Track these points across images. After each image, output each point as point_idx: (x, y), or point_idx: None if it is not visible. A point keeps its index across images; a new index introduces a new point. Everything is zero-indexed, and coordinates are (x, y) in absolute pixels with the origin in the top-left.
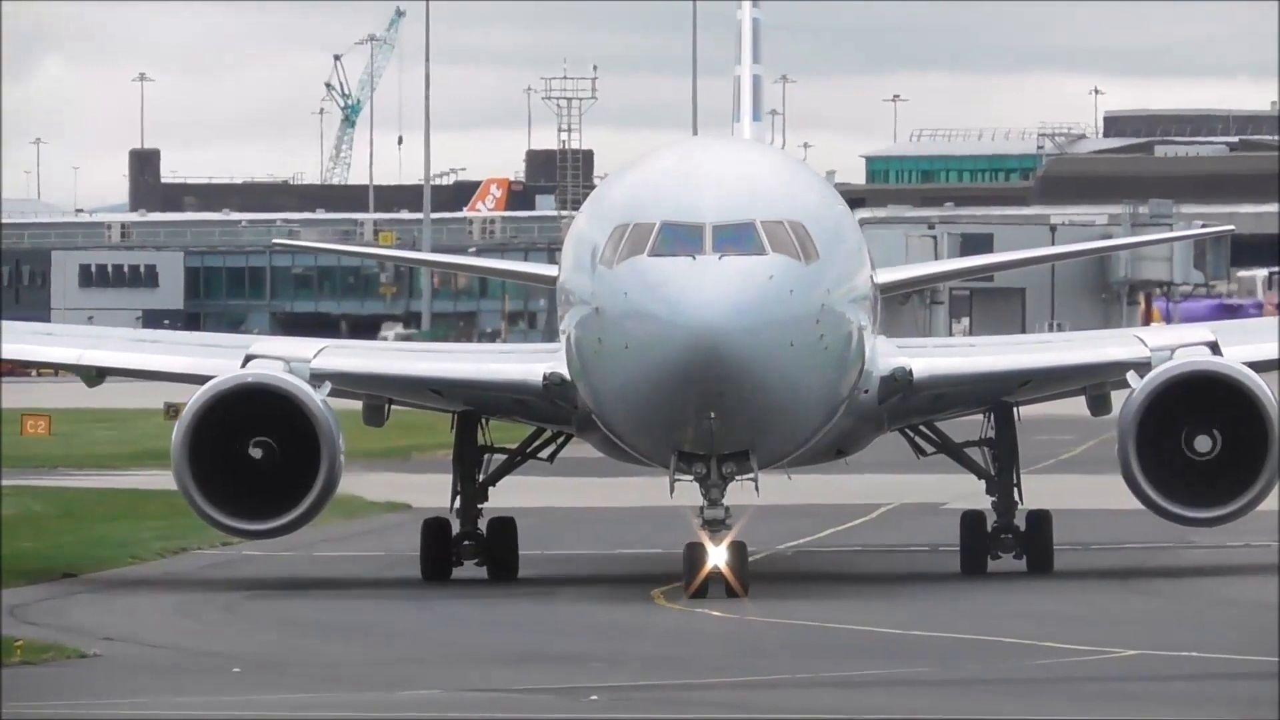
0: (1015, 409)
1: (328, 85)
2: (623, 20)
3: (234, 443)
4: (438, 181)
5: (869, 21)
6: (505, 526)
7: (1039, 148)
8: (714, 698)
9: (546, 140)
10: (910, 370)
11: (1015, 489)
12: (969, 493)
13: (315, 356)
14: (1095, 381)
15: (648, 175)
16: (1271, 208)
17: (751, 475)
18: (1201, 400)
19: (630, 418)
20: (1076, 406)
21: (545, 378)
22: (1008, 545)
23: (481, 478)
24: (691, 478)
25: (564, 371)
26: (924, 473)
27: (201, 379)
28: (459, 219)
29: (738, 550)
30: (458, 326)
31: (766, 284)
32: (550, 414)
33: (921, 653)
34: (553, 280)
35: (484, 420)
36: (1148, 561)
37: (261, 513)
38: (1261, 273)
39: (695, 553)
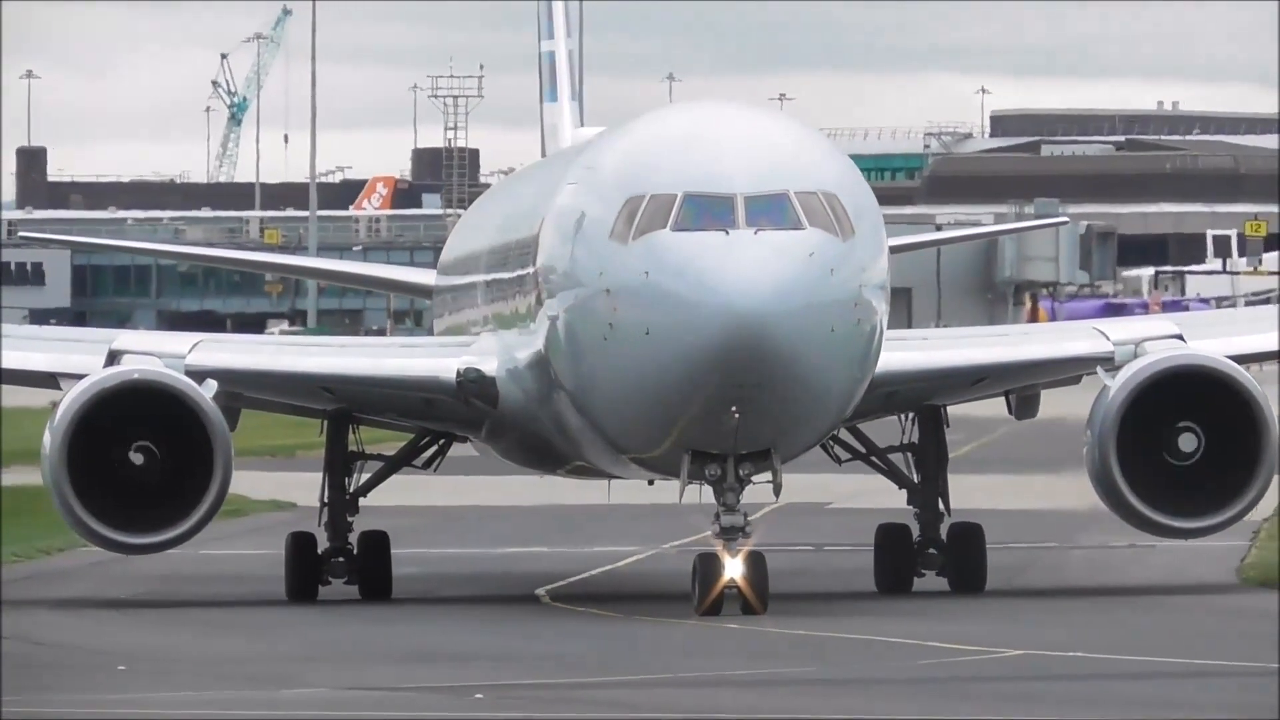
0: (944, 410)
1: (214, 83)
2: (509, 19)
3: (113, 447)
4: (324, 180)
5: (755, 20)
6: (378, 541)
7: (925, 147)
8: (599, 696)
9: (433, 139)
10: None
11: (941, 499)
12: (855, 491)
13: (190, 352)
14: (1053, 378)
15: (655, 141)
16: (1158, 207)
17: (770, 477)
18: (1184, 397)
19: (639, 413)
20: (964, 405)
21: (459, 374)
22: (932, 561)
23: (353, 487)
24: (702, 481)
25: (481, 367)
26: (808, 472)
27: (62, 379)
28: (345, 217)
29: (756, 562)
30: (343, 324)
31: (808, 262)
32: (458, 416)
33: (804, 652)
34: (426, 289)
35: (355, 425)
36: (1037, 562)
37: (148, 524)
38: (1147, 272)
39: (709, 565)
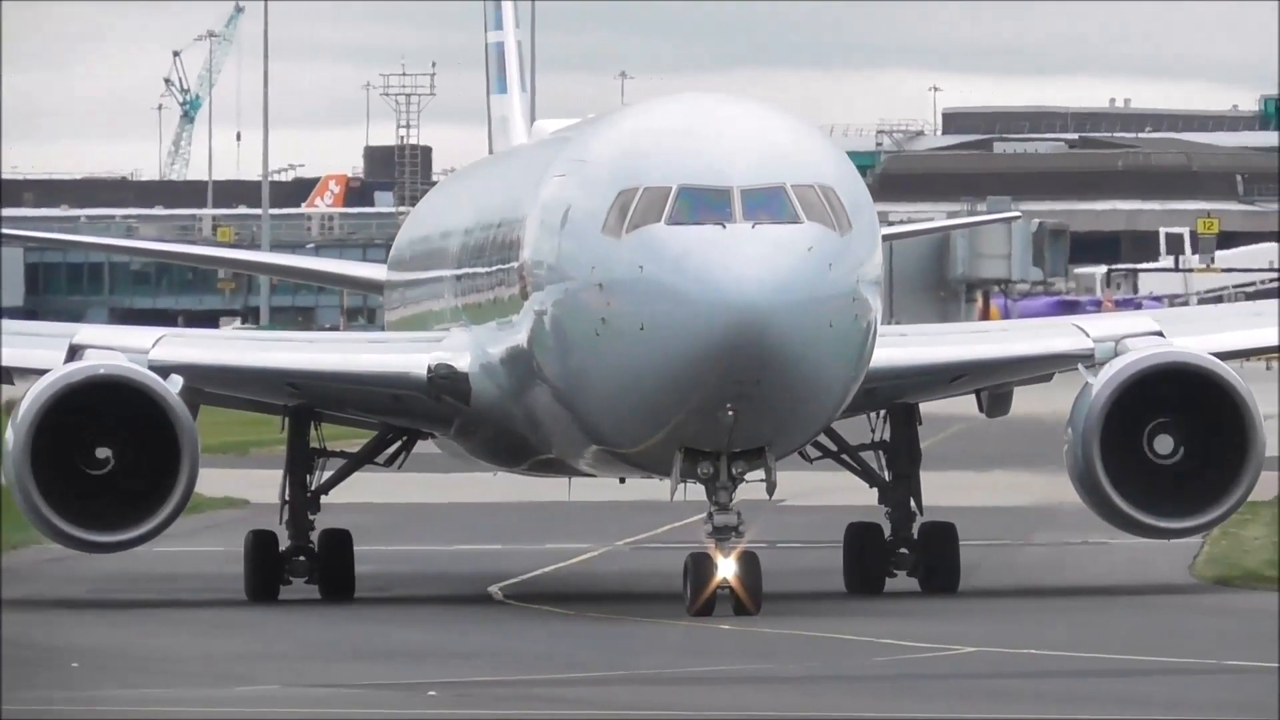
0: (917, 408)
1: (167, 81)
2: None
3: (78, 443)
4: (276, 177)
5: (706, 18)
6: (340, 540)
7: (877, 145)
8: (553, 694)
9: (385, 137)
10: None
11: (913, 498)
12: (812, 489)
13: (153, 346)
14: (1033, 375)
15: (648, 133)
16: (1110, 205)
17: (762, 476)
18: (1167, 395)
19: (632, 410)
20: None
21: (430, 370)
22: (904, 561)
23: (314, 485)
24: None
25: (453, 362)
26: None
27: (21, 374)
28: (297, 215)
29: (749, 562)
30: (296, 321)
31: (806, 256)
32: (427, 412)
33: (756, 649)
34: (377, 284)
35: (317, 421)
36: (990, 559)
37: (113, 522)
38: (1100, 270)
39: (701, 564)
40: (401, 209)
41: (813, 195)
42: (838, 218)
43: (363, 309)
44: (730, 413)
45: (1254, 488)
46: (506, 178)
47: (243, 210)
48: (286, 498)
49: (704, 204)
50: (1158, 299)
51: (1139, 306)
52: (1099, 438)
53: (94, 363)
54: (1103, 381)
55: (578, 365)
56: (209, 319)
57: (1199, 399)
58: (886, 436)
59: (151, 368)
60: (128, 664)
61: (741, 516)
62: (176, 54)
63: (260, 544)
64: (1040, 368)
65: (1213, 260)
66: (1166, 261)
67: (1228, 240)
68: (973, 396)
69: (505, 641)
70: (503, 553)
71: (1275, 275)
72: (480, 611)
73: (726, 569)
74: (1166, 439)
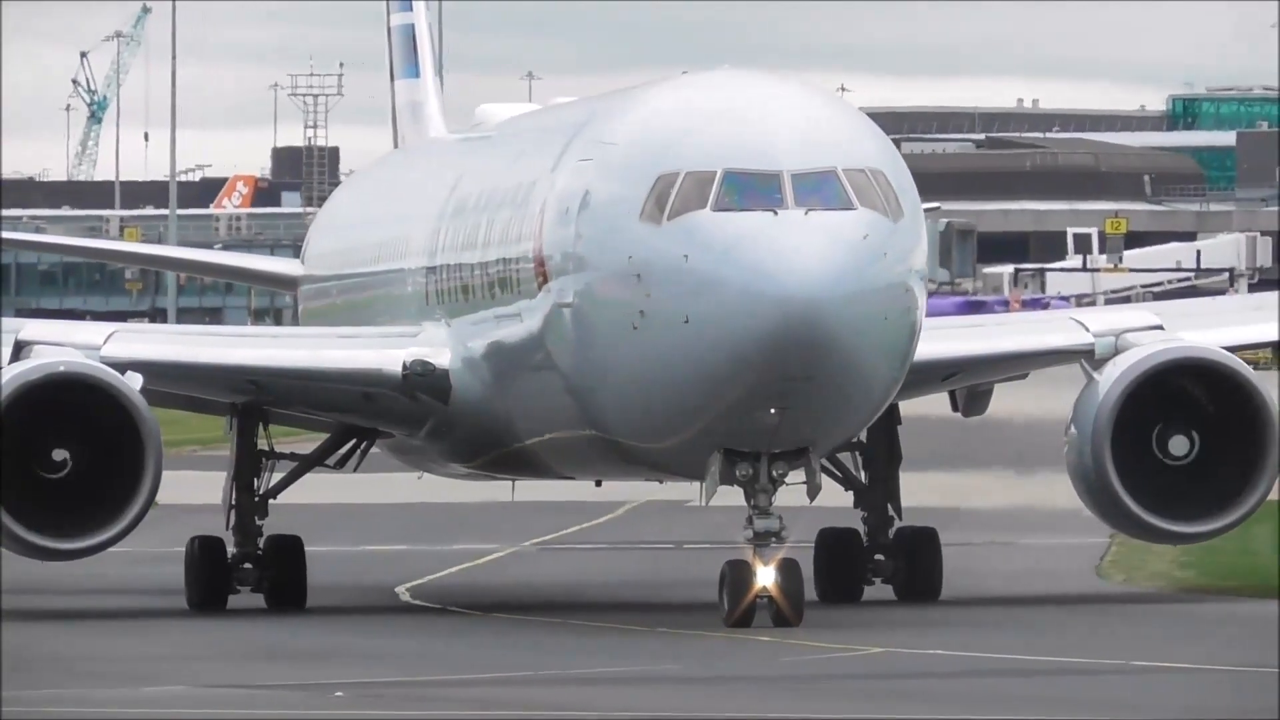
0: (897, 407)
1: (74, 82)
2: (368, 18)
3: (33, 445)
4: (184, 178)
5: (613, 19)
6: (289, 546)
7: None
8: (461, 694)
9: (293, 137)
10: None
11: (891, 502)
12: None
13: (105, 342)
14: (1028, 370)
15: (684, 113)
16: (1018, 205)
17: (805, 478)
18: (1178, 392)
19: (668, 406)
20: None
21: (405, 367)
22: (882, 568)
23: (262, 488)
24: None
25: (431, 359)
26: None
27: None
28: (205, 215)
29: (791, 570)
30: (203, 323)
31: (861, 245)
32: (399, 412)
33: (668, 650)
34: (287, 279)
35: (265, 421)
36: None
37: (73, 528)
38: (1008, 269)
39: (739, 572)
40: (309, 210)
41: (864, 180)
42: (889, 204)
43: (270, 309)
44: (774, 411)
45: (1272, 487)
46: (488, 163)
47: (150, 211)
48: (233, 502)
49: (752, 189)
50: (1065, 299)
51: (1046, 306)
52: (1109, 438)
53: (52, 360)
54: (1113, 378)
55: (608, 359)
56: (117, 320)
57: (1209, 396)
58: (863, 437)
59: (104, 363)
60: (34, 664)
61: (783, 521)
62: (84, 54)
63: (206, 551)
64: (1038, 364)
65: (1120, 260)
66: (1075, 261)
67: (1136, 240)
68: (945, 395)
69: (412, 642)
70: (409, 553)
71: (1183, 276)
72: (387, 612)
73: (766, 577)
74: (1181, 439)
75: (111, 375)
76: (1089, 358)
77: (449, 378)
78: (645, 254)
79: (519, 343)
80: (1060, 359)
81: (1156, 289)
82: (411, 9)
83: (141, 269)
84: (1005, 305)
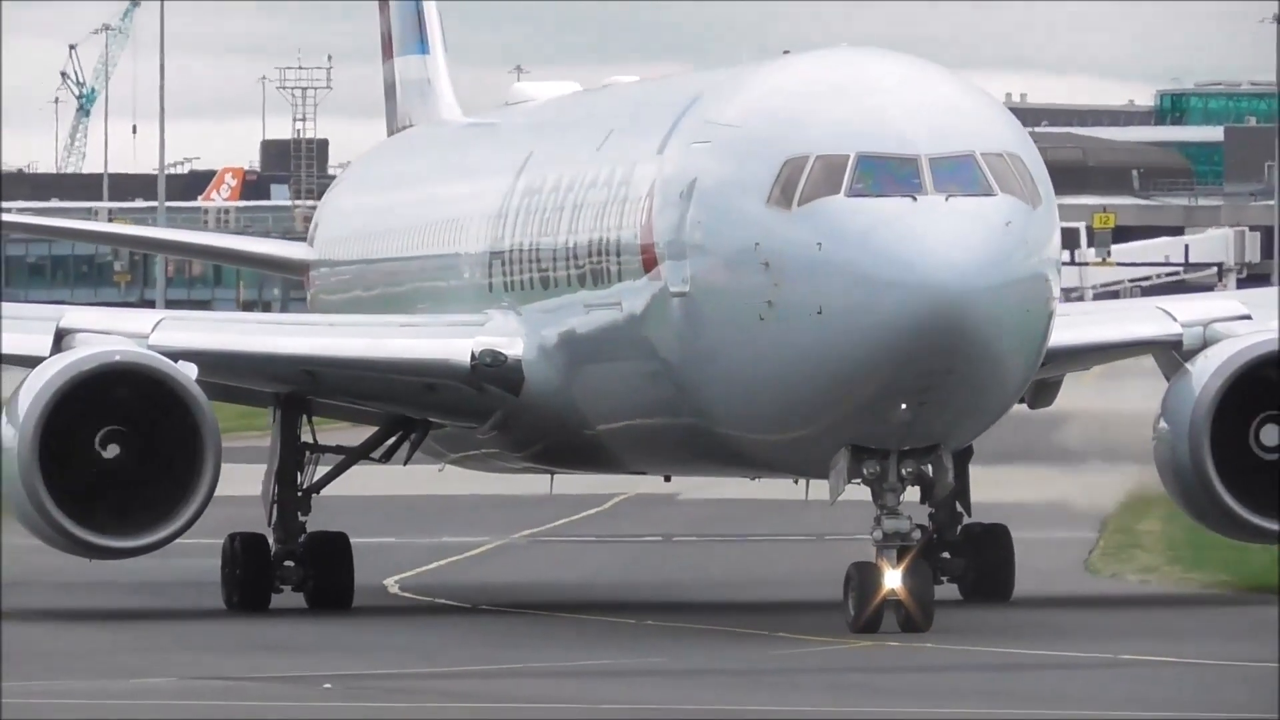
0: None
1: (63, 75)
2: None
3: (82, 437)
4: (172, 171)
5: (583, 16)
6: (335, 543)
7: None
8: (449, 687)
9: (281, 130)
10: None
11: (960, 498)
12: (706, 481)
13: (153, 330)
14: (1112, 361)
15: (808, 94)
16: None
17: (941, 477)
18: (1273, 385)
19: (794, 401)
20: None
21: (474, 357)
22: (950, 567)
23: (305, 483)
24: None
25: (501, 348)
26: None
27: (19, 361)
28: (194, 208)
29: (920, 572)
30: None
31: (1004, 233)
32: (464, 404)
33: (660, 643)
34: (295, 264)
35: (309, 413)
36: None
37: (129, 525)
38: None
39: (866, 575)
40: (297, 202)
41: (1002, 165)
42: (1027, 190)
43: (258, 301)
44: (904, 406)
45: None
46: (563, 143)
47: (139, 203)
48: (274, 497)
49: (888, 174)
50: None
51: None
52: (1208, 432)
53: (106, 349)
54: (1210, 370)
55: (728, 350)
56: None
57: None
58: None
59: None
60: (22, 656)
61: (914, 522)
62: (72, 47)
63: (249, 549)
64: (1125, 354)
65: (1109, 254)
66: (1063, 255)
67: (1124, 235)
68: None
69: (401, 635)
70: (398, 545)
71: (1171, 270)
72: (376, 604)
73: (893, 580)
74: (1273, 429)
75: (170, 366)
76: (1177, 349)
77: (521, 369)
78: (774, 242)
79: (614, 331)
80: (1147, 349)
81: (1144, 283)
82: None
83: (130, 260)
84: None
